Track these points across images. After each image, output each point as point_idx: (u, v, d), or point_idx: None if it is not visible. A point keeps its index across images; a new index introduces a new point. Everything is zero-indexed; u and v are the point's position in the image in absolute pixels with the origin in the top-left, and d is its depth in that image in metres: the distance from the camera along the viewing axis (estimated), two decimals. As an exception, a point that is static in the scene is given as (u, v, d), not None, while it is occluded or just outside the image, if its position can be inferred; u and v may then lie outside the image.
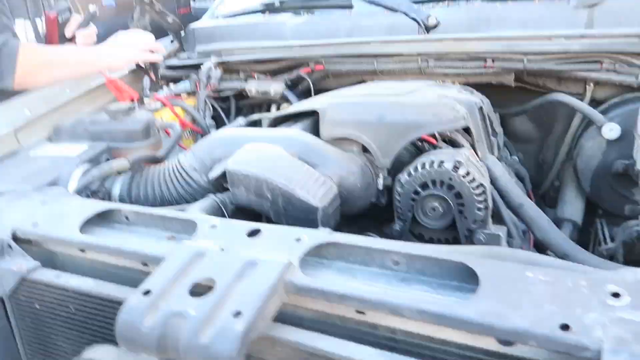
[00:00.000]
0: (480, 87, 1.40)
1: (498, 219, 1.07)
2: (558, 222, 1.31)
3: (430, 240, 0.99)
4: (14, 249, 0.80)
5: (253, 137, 1.09)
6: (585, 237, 1.35)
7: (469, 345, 0.54)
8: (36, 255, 0.83)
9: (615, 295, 0.50)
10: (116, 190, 1.11)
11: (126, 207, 0.84)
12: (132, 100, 1.66)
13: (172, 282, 0.61)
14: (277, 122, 1.32)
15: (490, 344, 0.53)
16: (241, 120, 1.72)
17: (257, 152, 0.98)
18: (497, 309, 0.51)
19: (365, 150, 1.10)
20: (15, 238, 0.82)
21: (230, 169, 0.96)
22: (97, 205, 0.84)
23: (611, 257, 1.12)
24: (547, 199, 1.53)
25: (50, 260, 0.84)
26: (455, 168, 0.93)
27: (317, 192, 0.90)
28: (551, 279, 0.53)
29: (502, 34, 1.36)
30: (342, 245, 0.65)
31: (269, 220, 0.97)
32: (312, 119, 1.23)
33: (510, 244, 1.03)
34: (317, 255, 0.67)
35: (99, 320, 0.71)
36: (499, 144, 1.35)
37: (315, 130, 1.15)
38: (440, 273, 0.60)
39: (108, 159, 1.30)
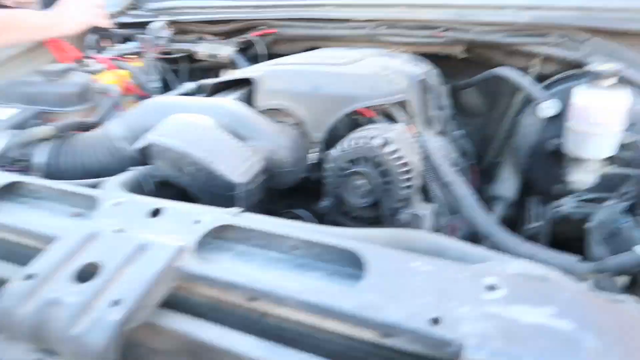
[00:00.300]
0: (432, 58, 1.36)
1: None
2: (491, 200, 1.32)
3: (356, 218, 0.98)
4: None
5: (185, 106, 1.04)
6: (522, 215, 1.36)
7: (351, 335, 0.53)
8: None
9: (491, 288, 0.49)
10: (38, 158, 1.06)
11: (33, 181, 0.80)
12: (74, 60, 1.58)
13: (57, 266, 0.58)
14: (217, 89, 1.27)
15: (372, 335, 0.52)
16: (190, 84, 1.66)
17: (182, 124, 0.94)
18: (376, 300, 0.50)
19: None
20: None
21: (152, 141, 0.92)
22: (1, 178, 0.80)
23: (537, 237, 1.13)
24: (489, 175, 1.52)
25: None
26: (383, 145, 0.91)
27: (239, 168, 0.88)
28: (435, 269, 0.52)
29: (454, 2, 1.31)
30: (242, 228, 0.64)
31: (187, 196, 0.94)
32: (249, 88, 1.18)
33: (438, 223, 1.03)
34: (219, 237, 0.65)
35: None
36: (445, 118, 1.33)
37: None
38: (335, 259, 0.59)
39: (39, 124, 1.24)
